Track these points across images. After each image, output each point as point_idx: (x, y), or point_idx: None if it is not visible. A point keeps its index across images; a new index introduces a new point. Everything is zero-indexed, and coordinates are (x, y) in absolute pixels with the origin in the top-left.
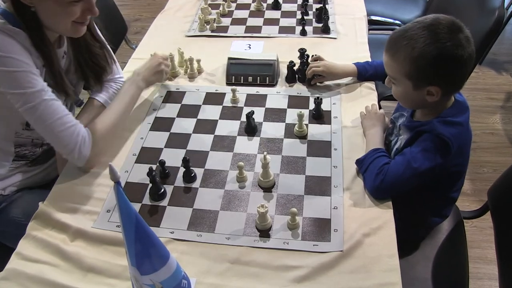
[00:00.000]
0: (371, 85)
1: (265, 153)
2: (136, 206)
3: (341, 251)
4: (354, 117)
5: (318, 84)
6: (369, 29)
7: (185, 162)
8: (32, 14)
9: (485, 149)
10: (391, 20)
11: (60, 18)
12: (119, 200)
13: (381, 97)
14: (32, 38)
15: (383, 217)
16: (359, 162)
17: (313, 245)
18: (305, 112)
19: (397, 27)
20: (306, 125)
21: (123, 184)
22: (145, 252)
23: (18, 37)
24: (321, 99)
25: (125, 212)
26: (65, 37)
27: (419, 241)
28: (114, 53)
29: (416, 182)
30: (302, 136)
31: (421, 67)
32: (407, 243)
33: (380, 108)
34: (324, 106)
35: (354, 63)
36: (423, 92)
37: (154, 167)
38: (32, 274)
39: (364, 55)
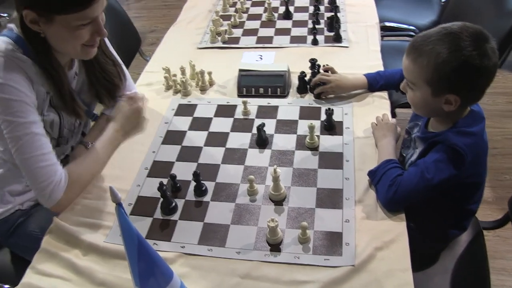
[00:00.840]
0: (383, 94)
1: (275, 166)
2: (148, 221)
3: (352, 265)
4: (366, 127)
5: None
6: (382, 36)
7: (196, 176)
8: (41, 40)
9: (506, 155)
10: (406, 26)
11: (69, 42)
12: (121, 221)
13: (395, 105)
14: (41, 63)
15: (396, 230)
16: (371, 173)
17: (324, 259)
18: (317, 123)
19: (412, 33)
20: (318, 136)
21: (135, 198)
22: (149, 272)
23: (23, 66)
24: (332, 110)
25: (127, 233)
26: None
27: (437, 253)
28: (128, 66)
29: (430, 194)
30: (314, 148)
31: (444, 74)
32: (424, 255)
33: (394, 116)
34: (336, 117)
35: (364, 74)
36: (441, 100)
37: (165, 181)
38: None
39: (377, 63)
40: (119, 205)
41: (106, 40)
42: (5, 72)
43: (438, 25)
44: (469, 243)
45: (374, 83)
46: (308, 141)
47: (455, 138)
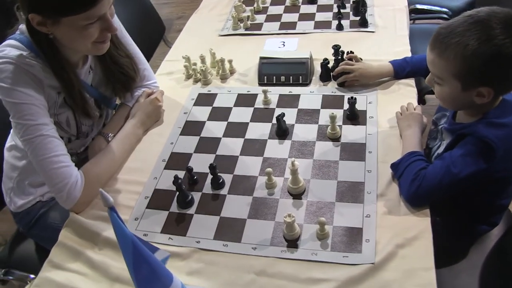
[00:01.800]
0: (410, 81)
1: (293, 159)
2: (163, 214)
3: (372, 263)
4: (391, 117)
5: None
6: (413, 19)
7: (212, 169)
8: (50, 41)
9: None
10: (438, 8)
11: (78, 41)
12: (114, 226)
13: (425, 91)
14: (50, 65)
15: (419, 226)
16: (394, 166)
17: (343, 256)
18: (339, 113)
19: (445, 15)
20: (340, 126)
21: (151, 191)
22: (147, 278)
23: (33, 70)
24: (355, 98)
25: (122, 238)
26: None
27: (465, 249)
28: (152, 54)
29: (456, 189)
30: (335, 139)
31: (474, 66)
32: (451, 251)
33: (424, 103)
34: (359, 106)
35: (390, 61)
36: (472, 94)
37: (182, 174)
38: (61, 283)
39: (404, 49)
40: (111, 209)
41: (123, 30)
42: (14, 78)
43: (473, 6)
44: (500, 238)
45: (401, 70)
46: (330, 131)
47: (486, 130)
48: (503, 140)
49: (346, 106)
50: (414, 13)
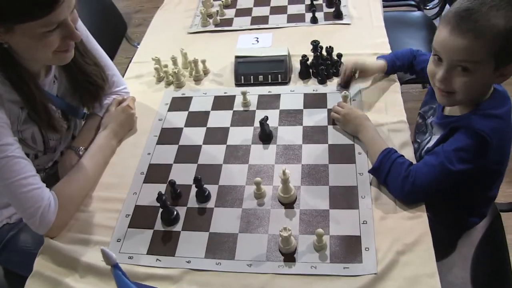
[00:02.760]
0: (393, 76)
1: (284, 167)
2: (148, 234)
3: (375, 273)
4: (377, 114)
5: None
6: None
7: (197, 182)
8: (4, 51)
9: None
10: None
11: (37, 50)
12: (119, 285)
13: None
14: (8, 77)
15: (418, 229)
16: (374, 170)
17: (344, 267)
18: (323, 113)
19: (412, 2)
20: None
21: (132, 208)
22: None
23: None
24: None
25: None
26: None
27: (455, 242)
28: (115, 54)
29: (451, 184)
30: None
31: (510, 41)
32: (442, 244)
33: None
34: None
35: (380, 57)
36: (497, 74)
37: (163, 188)
38: None
39: (382, 41)
40: (114, 266)
41: (89, 35)
42: None
43: None
44: (487, 229)
45: (392, 64)
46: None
47: (480, 122)
48: (496, 132)
49: (329, 105)
50: (383, 1)
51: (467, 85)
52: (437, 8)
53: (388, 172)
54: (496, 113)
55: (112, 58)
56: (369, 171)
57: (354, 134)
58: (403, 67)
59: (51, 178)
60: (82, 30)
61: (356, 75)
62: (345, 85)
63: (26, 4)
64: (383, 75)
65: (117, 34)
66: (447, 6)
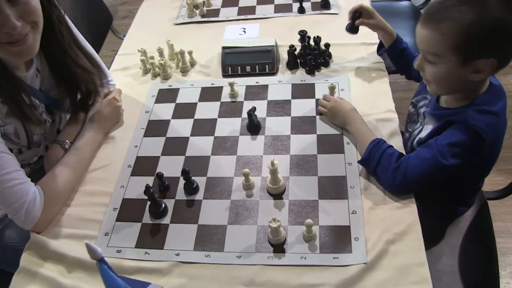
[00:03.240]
0: (381, 65)
1: (272, 158)
2: (136, 227)
3: (364, 263)
4: (365, 104)
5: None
6: None
7: (185, 174)
8: None
9: None
10: None
11: None
12: (106, 279)
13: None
14: None
15: (408, 219)
16: (364, 161)
17: (333, 258)
18: (312, 102)
19: None
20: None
21: (120, 202)
22: None
23: None
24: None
25: None
26: (37, 56)
27: (443, 231)
28: (100, 47)
29: (443, 177)
30: None
31: (474, 35)
32: (431, 233)
33: None
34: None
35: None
36: (469, 70)
37: (151, 179)
38: None
39: (370, 31)
40: (100, 261)
41: (73, 27)
42: None
43: None
44: (475, 217)
45: (400, 42)
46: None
47: (476, 117)
48: (491, 128)
49: (318, 95)
50: None
51: (435, 76)
52: None
53: (378, 163)
54: (492, 109)
55: (98, 50)
56: (359, 162)
57: (342, 126)
58: (405, 51)
59: (36, 173)
60: (69, 22)
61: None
62: (350, 28)
63: None
64: (372, 64)
65: (103, 26)
66: None
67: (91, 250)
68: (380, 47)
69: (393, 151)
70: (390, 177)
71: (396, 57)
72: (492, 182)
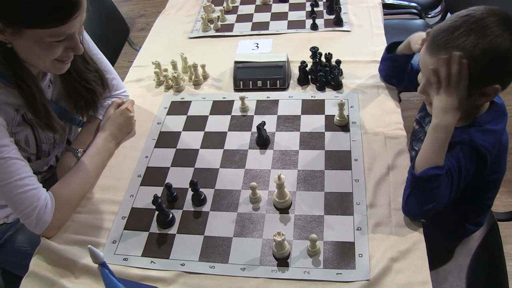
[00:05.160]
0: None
1: (279, 172)
2: (143, 236)
3: (367, 280)
4: (374, 121)
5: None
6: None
7: (193, 185)
8: (8, 50)
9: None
10: (407, 3)
11: (39, 57)
12: (106, 283)
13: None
14: (9, 77)
15: (412, 237)
16: (413, 177)
17: (337, 273)
18: (320, 119)
19: (414, 10)
20: (348, 116)
21: (128, 210)
22: None
23: None
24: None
25: None
26: None
27: (452, 250)
28: (117, 58)
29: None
30: (344, 125)
31: (484, 65)
32: (438, 252)
33: (399, 101)
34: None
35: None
36: (476, 95)
37: (160, 190)
38: None
39: (382, 48)
40: (102, 265)
41: (90, 40)
42: None
43: (440, 1)
44: (484, 238)
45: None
46: (338, 118)
47: (481, 137)
48: (495, 146)
49: (327, 111)
50: (384, 9)
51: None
52: (439, 17)
53: (419, 188)
54: (495, 128)
55: (114, 61)
56: (409, 171)
57: (437, 115)
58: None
59: (47, 182)
60: (85, 35)
61: None
62: None
63: (42, 12)
64: (381, 82)
65: (119, 38)
66: (449, 14)
67: (93, 254)
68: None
69: (441, 182)
70: (417, 206)
71: (397, 65)
72: (504, 203)
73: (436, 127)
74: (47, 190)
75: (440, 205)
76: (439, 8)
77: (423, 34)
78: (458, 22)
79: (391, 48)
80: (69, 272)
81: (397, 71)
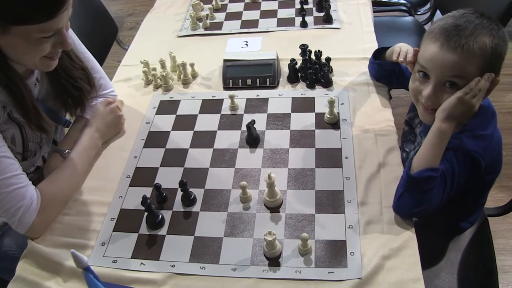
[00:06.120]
0: None
1: (269, 171)
2: (133, 237)
3: (359, 278)
4: (365, 118)
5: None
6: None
7: (182, 185)
8: None
9: (503, 130)
10: (396, 0)
11: (27, 54)
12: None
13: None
14: None
15: (404, 235)
16: (409, 176)
17: (328, 272)
18: (311, 117)
19: (404, 7)
20: (338, 113)
21: (117, 212)
22: None
23: None
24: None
25: None
26: None
27: (443, 247)
28: (105, 57)
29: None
30: (334, 123)
31: (498, 54)
32: (431, 249)
33: (390, 97)
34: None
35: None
36: None
37: (149, 191)
38: None
39: (372, 46)
40: (86, 269)
41: (76, 39)
42: None
43: None
44: (475, 234)
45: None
46: (328, 116)
47: (472, 142)
48: (488, 149)
49: (317, 109)
50: (374, 6)
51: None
52: (428, 14)
53: (413, 190)
54: (485, 133)
55: (102, 61)
56: (405, 171)
57: (440, 116)
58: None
59: (35, 183)
60: (71, 34)
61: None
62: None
63: (28, 8)
64: (371, 79)
65: (108, 37)
66: (438, 12)
67: (76, 259)
68: (377, 54)
69: (434, 185)
70: (410, 207)
71: (385, 69)
72: (494, 198)
73: (438, 130)
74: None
75: (431, 207)
76: (428, 6)
77: (403, 47)
78: (464, 18)
79: (377, 54)
80: (56, 276)
81: (385, 73)
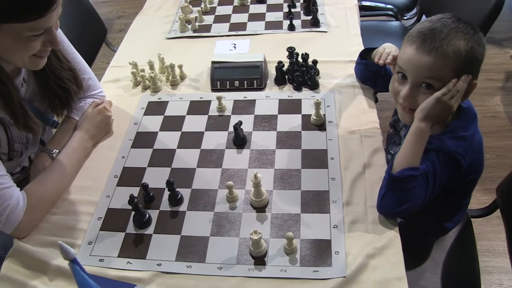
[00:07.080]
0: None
1: (255, 171)
2: (120, 237)
3: (343, 277)
4: (350, 120)
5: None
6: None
7: (170, 185)
8: None
9: (487, 133)
10: (383, 5)
11: (16, 53)
12: (78, 281)
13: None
14: None
15: (388, 234)
16: (390, 176)
17: (313, 271)
18: (297, 118)
19: (390, 12)
20: (324, 115)
21: (104, 211)
22: None
23: None
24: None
25: None
26: None
27: (428, 247)
28: (94, 59)
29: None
30: (320, 125)
31: (474, 58)
32: (416, 250)
33: (376, 101)
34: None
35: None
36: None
37: (136, 191)
38: None
39: (358, 49)
40: (73, 261)
41: (65, 39)
42: None
43: (416, 3)
44: (458, 234)
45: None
46: (314, 117)
47: (453, 143)
48: (469, 150)
49: (304, 111)
50: (361, 11)
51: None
52: (415, 19)
53: (394, 189)
54: (466, 134)
55: (91, 62)
56: (387, 171)
57: (418, 116)
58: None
59: (21, 183)
60: (60, 34)
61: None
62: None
63: (19, 7)
64: (357, 82)
65: (97, 39)
66: (424, 16)
67: (63, 250)
68: (363, 55)
69: (416, 184)
70: (393, 206)
71: (371, 69)
72: (478, 201)
73: (416, 130)
74: (20, 190)
75: (414, 206)
76: (414, 11)
77: (387, 48)
78: (441, 22)
79: (364, 54)
80: (42, 274)
81: (371, 74)
